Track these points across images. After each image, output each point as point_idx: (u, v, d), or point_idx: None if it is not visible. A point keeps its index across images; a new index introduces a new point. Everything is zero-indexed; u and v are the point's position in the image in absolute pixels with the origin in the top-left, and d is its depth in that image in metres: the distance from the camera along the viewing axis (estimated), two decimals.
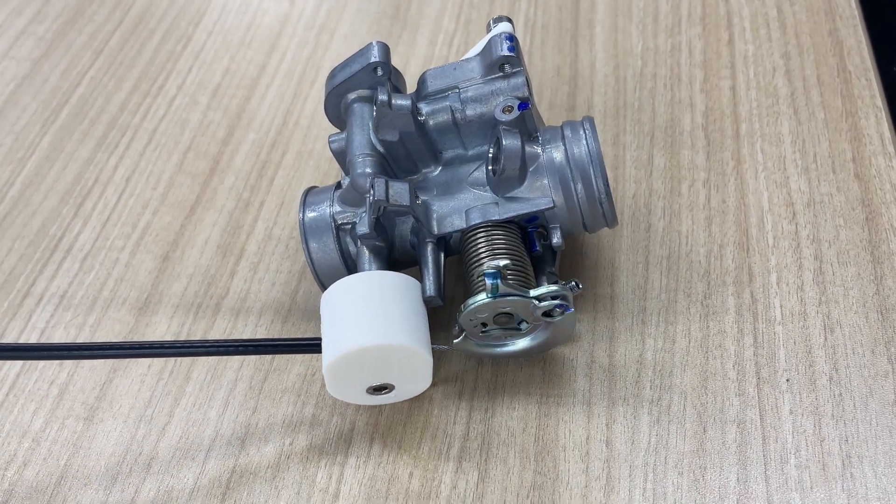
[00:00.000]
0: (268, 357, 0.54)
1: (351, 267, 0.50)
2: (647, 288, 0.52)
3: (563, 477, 0.45)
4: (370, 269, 0.48)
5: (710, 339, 0.49)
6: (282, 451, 0.50)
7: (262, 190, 0.65)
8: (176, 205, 0.65)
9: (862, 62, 0.61)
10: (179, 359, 0.55)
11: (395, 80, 0.51)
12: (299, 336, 0.55)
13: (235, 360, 0.55)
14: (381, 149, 0.49)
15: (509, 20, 0.52)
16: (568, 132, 0.49)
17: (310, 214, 0.50)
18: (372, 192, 0.46)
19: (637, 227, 0.55)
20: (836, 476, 0.43)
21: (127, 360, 0.56)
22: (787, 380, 0.46)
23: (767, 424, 0.45)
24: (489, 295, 0.43)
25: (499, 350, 0.48)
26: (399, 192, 0.46)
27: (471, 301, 0.44)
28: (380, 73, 0.50)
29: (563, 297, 0.45)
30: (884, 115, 0.58)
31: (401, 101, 0.48)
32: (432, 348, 0.46)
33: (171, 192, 0.66)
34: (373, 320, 0.44)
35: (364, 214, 0.48)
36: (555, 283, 0.46)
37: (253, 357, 0.55)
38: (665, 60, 0.66)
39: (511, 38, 0.49)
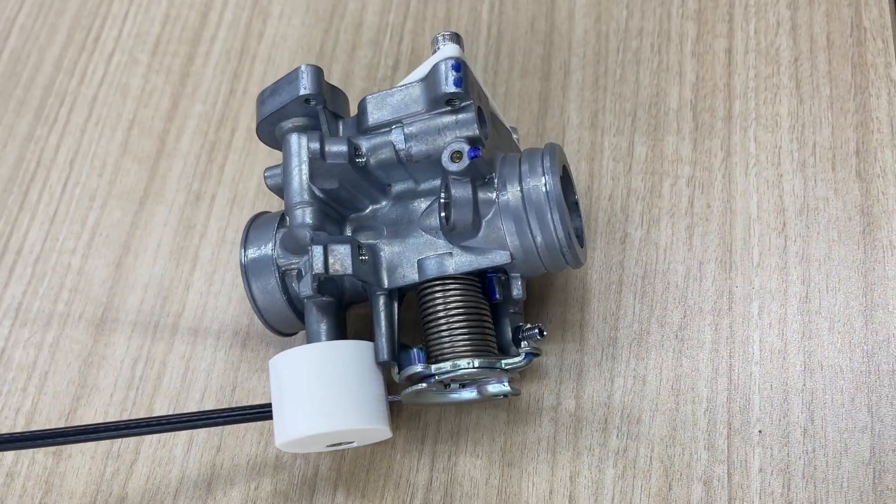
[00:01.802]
0: (229, 390, 0.53)
1: (298, 309, 0.47)
2: (620, 315, 0.49)
3: None
4: (318, 328, 0.45)
5: (683, 381, 0.46)
6: (247, 495, 0.50)
7: (213, 179, 0.60)
8: (124, 196, 0.61)
9: (880, 16, 0.53)
10: (142, 391, 0.54)
11: (332, 106, 0.45)
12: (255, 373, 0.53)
13: (196, 392, 0.53)
14: (320, 195, 0.44)
15: (457, 37, 0.44)
16: (525, 167, 0.43)
17: (252, 256, 0.47)
18: (310, 259, 0.42)
19: (612, 239, 0.51)
20: None
21: (89, 389, 0.55)
22: (760, 431, 0.44)
23: (735, 483, 0.44)
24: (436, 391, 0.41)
25: (450, 399, 0.46)
26: (340, 258, 0.42)
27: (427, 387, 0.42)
28: (312, 103, 0.44)
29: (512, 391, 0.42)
30: None
31: (336, 149, 0.43)
32: (390, 401, 0.44)
33: (118, 181, 0.61)
34: (323, 404, 0.42)
35: (307, 270, 0.44)
36: (506, 380, 0.43)
37: (214, 388, 0.53)
38: (654, 10, 0.57)
39: (458, 66, 0.42)
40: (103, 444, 0.53)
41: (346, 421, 0.42)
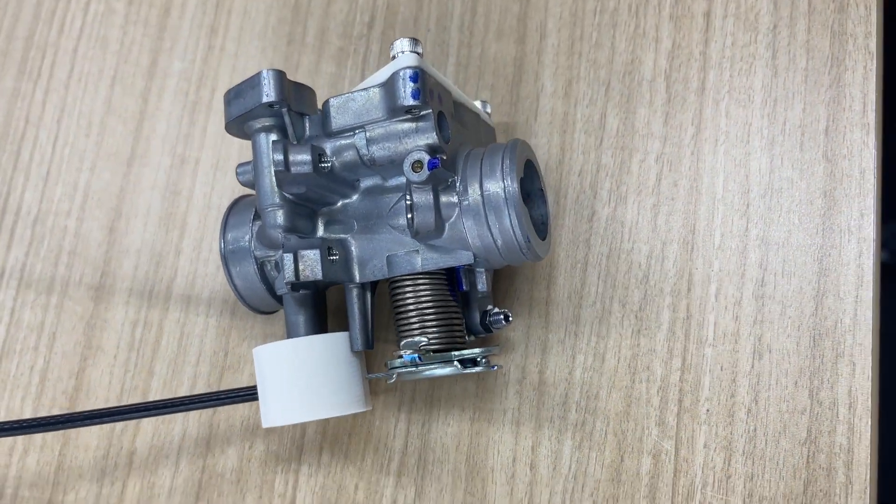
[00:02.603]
0: (221, 355, 0.57)
1: (277, 294, 0.49)
2: (584, 294, 0.51)
3: (490, 498, 0.50)
4: (296, 320, 0.48)
5: (639, 360, 0.49)
6: (242, 454, 0.55)
7: (196, 142, 0.61)
8: (111, 158, 0.62)
9: None
10: (142, 353, 0.58)
11: (297, 105, 0.46)
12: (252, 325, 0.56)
13: (192, 355, 0.57)
14: (290, 196, 0.46)
15: (415, 42, 0.44)
16: (486, 167, 0.44)
17: (231, 246, 0.49)
18: (283, 270, 0.44)
19: (580, 216, 0.52)
20: None
21: (94, 350, 0.59)
22: (707, 410, 0.48)
23: (681, 458, 0.48)
24: (408, 372, 0.44)
25: (428, 375, 0.49)
26: (310, 264, 0.44)
27: (395, 373, 0.45)
28: (275, 107, 0.45)
29: (485, 359, 0.45)
30: (874, 67, 0.50)
31: (300, 157, 0.44)
32: (369, 378, 0.48)
33: (105, 141, 0.63)
34: (304, 396, 0.45)
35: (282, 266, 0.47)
36: (479, 344, 0.46)
37: (209, 353, 0.57)
38: None
39: (415, 77, 0.42)
40: (111, 404, 0.58)
41: (326, 410, 0.45)
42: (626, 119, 0.53)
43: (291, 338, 0.47)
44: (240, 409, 0.56)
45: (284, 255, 0.44)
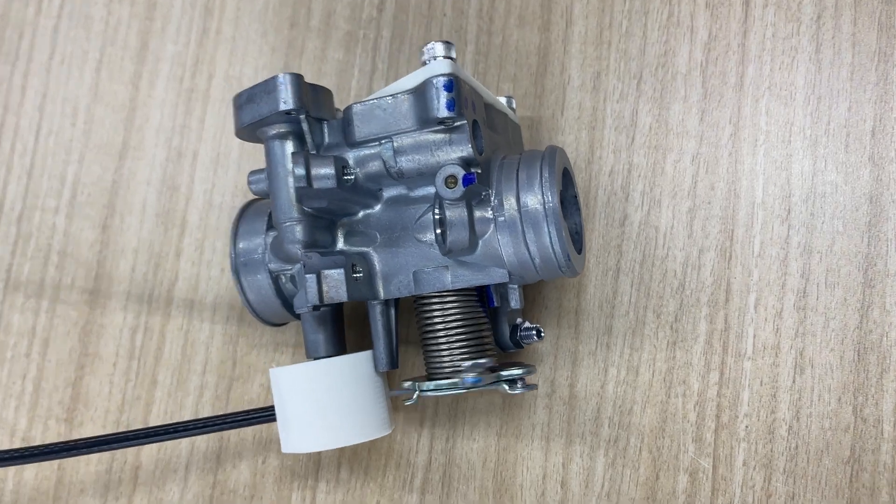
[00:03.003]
0: (229, 365, 0.54)
1: (289, 303, 0.46)
2: (616, 303, 0.49)
3: None
4: (315, 339, 0.45)
5: (675, 373, 0.47)
6: (256, 469, 0.52)
7: (193, 134, 0.57)
8: (101, 149, 0.58)
9: None
10: (144, 361, 0.55)
11: (315, 111, 0.42)
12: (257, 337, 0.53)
13: (197, 364, 0.54)
14: (309, 210, 0.42)
15: (448, 46, 0.40)
16: (523, 176, 0.41)
17: (242, 259, 0.46)
18: (304, 291, 0.41)
19: (611, 220, 0.49)
20: None
21: (91, 358, 0.56)
22: (747, 426, 0.46)
23: (719, 476, 0.46)
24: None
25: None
26: (334, 285, 0.41)
27: (432, 392, 0.42)
28: (293, 115, 0.41)
29: (521, 380, 0.43)
30: None
31: (322, 171, 0.40)
32: (391, 395, 0.46)
33: (94, 131, 0.59)
34: (327, 422, 0.43)
35: (301, 281, 0.44)
36: (513, 365, 0.43)
37: (215, 362, 0.54)
38: None
39: (450, 86, 0.38)
40: (112, 415, 0.55)
41: (350, 437, 0.43)
42: (659, 116, 0.50)
43: (312, 358, 0.45)
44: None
45: (307, 276, 0.40)
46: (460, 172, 0.39)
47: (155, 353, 0.55)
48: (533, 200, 0.41)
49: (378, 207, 0.44)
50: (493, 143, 0.43)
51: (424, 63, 0.40)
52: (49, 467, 0.55)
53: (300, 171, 0.40)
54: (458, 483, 0.49)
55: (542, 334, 0.45)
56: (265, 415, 0.46)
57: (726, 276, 0.47)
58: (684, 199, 0.49)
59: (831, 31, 0.48)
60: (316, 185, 0.40)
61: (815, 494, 0.45)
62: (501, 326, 0.46)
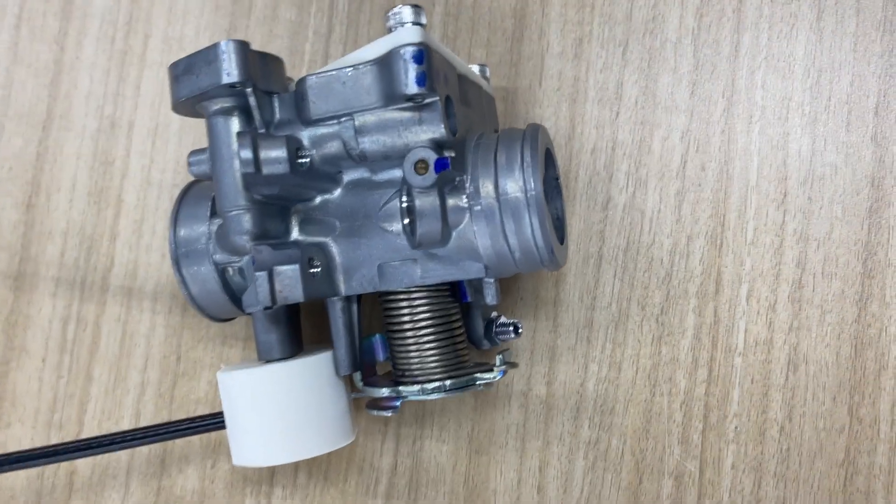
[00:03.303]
0: (173, 360, 0.49)
1: (237, 296, 0.41)
2: (597, 294, 0.45)
3: None
4: (268, 340, 0.40)
5: (661, 370, 0.44)
6: (204, 474, 0.48)
7: (128, 102, 0.51)
8: (23, 118, 0.52)
9: None
10: (77, 356, 0.50)
11: (263, 83, 0.36)
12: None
13: (137, 359, 0.49)
14: (258, 197, 0.37)
15: (418, 10, 0.35)
16: (503, 160, 0.37)
17: (184, 249, 0.41)
18: (254, 290, 0.36)
19: (593, 202, 0.45)
20: None
21: (17, 352, 0.50)
22: (736, 427, 0.43)
23: (706, 480, 0.43)
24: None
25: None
26: (288, 283, 0.36)
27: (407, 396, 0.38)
28: (238, 88, 0.36)
29: (493, 379, 0.39)
30: None
31: (273, 154, 0.35)
32: (353, 398, 0.41)
33: (14, 98, 0.52)
34: (284, 436, 0.38)
35: (250, 276, 0.39)
36: (486, 367, 0.39)
37: (157, 357, 0.49)
38: None
39: (420, 57, 0.33)
40: (43, 416, 0.50)
41: (309, 450, 0.39)
42: (646, 88, 0.45)
43: (264, 360, 0.40)
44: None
45: (257, 275, 0.36)
46: (432, 157, 0.35)
47: (89, 346, 0.50)
48: (513, 187, 0.36)
49: (337, 192, 0.39)
50: (467, 120, 0.39)
51: (390, 30, 0.35)
52: None
53: (247, 154, 0.35)
54: (426, 488, 0.45)
55: (520, 330, 0.41)
56: (214, 422, 0.41)
57: (717, 266, 0.44)
58: (672, 181, 0.45)
59: None
60: (266, 170, 0.35)
61: (807, 499, 0.42)
62: (474, 321, 0.42)
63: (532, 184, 0.36)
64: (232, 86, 0.35)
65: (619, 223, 0.45)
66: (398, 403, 0.38)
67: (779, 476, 0.42)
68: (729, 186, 0.44)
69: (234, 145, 0.37)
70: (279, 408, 0.38)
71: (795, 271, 0.43)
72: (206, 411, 0.48)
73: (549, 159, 0.41)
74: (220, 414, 0.41)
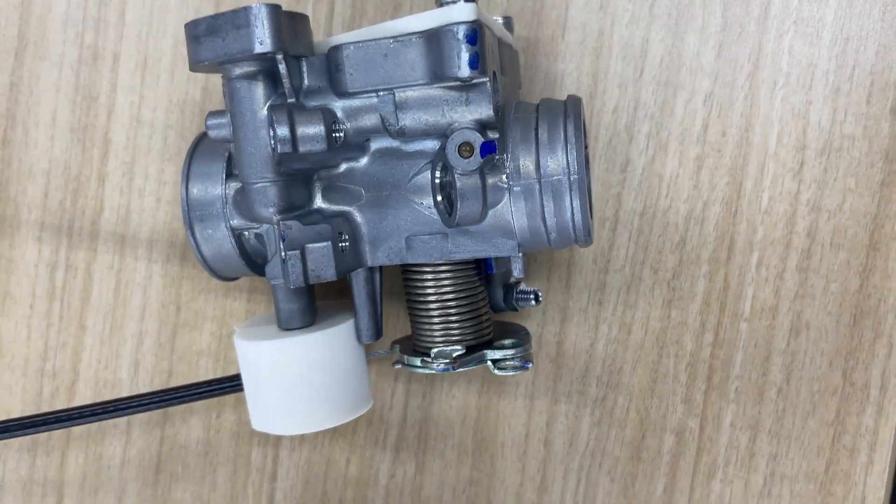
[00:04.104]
0: (172, 310, 0.47)
1: (256, 263, 0.40)
2: (611, 256, 0.45)
3: (500, 474, 0.46)
4: (289, 308, 0.39)
5: (669, 333, 0.45)
6: (209, 423, 0.48)
7: (111, 30, 0.47)
8: None
9: None
10: (68, 303, 0.48)
11: (293, 48, 0.34)
12: None
13: (134, 309, 0.48)
14: (285, 169, 0.35)
15: None
16: (544, 137, 0.36)
17: (197, 213, 0.39)
18: (285, 269, 0.35)
19: (612, 164, 0.45)
20: (755, 494, 0.45)
21: (1, 297, 0.48)
22: (737, 388, 0.45)
23: (705, 437, 0.45)
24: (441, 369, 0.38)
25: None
26: (320, 262, 0.35)
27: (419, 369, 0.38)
28: (268, 55, 0.33)
29: (520, 359, 0.39)
30: None
31: (311, 131, 0.33)
32: (369, 356, 0.41)
33: None
34: (308, 405, 0.38)
35: (274, 250, 0.38)
36: (510, 342, 0.39)
37: (155, 307, 0.48)
38: None
39: (474, 38, 0.31)
40: (34, 363, 0.48)
41: (333, 418, 0.39)
42: (672, 46, 0.44)
43: (286, 330, 0.39)
44: (201, 374, 0.48)
45: (288, 254, 0.34)
46: (478, 140, 0.33)
47: (81, 294, 0.48)
48: (555, 168, 0.35)
49: (364, 161, 0.37)
50: (504, 90, 0.37)
51: (441, 5, 0.32)
52: None
53: (283, 131, 0.33)
54: (434, 441, 0.47)
55: (541, 298, 0.41)
56: (231, 386, 0.41)
57: (730, 233, 0.44)
58: (692, 146, 0.44)
59: None
60: (302, 148, 0.33)
61: (796, 454, 0.45)
62: (494, 288, 0.42)
63: (575, 165, 0.35)
64: (263, 53, 0.32)
65: (637, 187, 0.45)
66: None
67: (773, 433, 0.45)
68: (748, 153, 0.44)
69: (261, 114, 0.34)
70: (303, 378, 0.38)
71: (805, 241, 0.44)
72: (210, 363, 0.47)
73: (583, 130, 0.39)
74: (237, 377, 0.40)
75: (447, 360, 0.37)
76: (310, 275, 0.35)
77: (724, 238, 0.44)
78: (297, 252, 0.34)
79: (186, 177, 0.39)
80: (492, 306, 0.42)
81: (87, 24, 0.47)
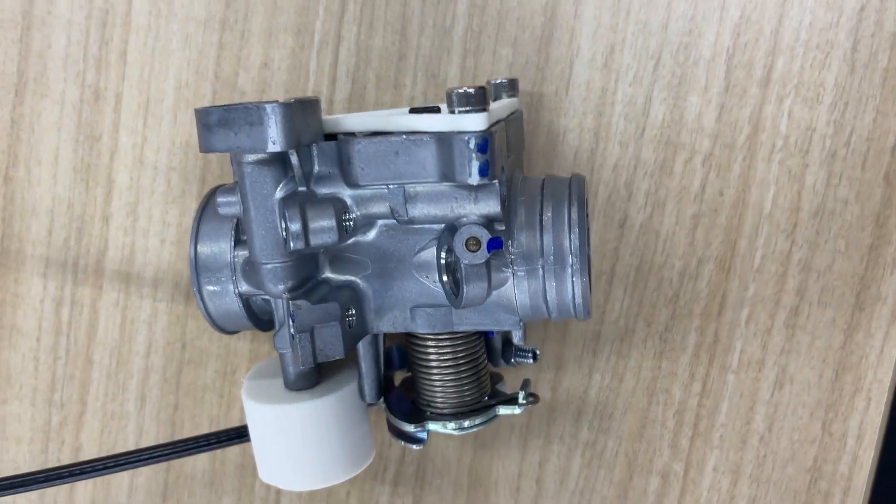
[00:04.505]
0: (178, 347, 0.49)
1: (261, 320, 0.41)
2: (607, 309, 0.46)
3: None
4: (294, 372, 0.41)
5: (659, 382, 0.47)
6: (215, 455, 0.49)
7: (113, 70, 0.47)
8: None
9: None
10: (75, 338, 0.49)
11: (305, 137, 0.34)
12: None
13: (140, 345, 0.49)
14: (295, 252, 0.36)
15: (481, 95, 0.32)
16: (548, 223, 0.37)
17: (208, 288, 0.39)
18: (295, 350, 0.36)
19: (610, 220, 0.46)
20: None
21: (8, 330, 0.49)
22: (721, 435, 0.47)
23: (689, 479, 0.48)
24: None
25: None
26: (329, 343, 0.36)
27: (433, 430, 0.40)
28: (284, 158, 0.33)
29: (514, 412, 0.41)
30: None
31: (322, 223, 0.34)
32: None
33: None
34: (313, 466, 0.40)
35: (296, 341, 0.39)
36: (509, 400, 0.41)
37: (161, 343, 0.49)
38: None
39: (485, 147, 0.32)
40: (42, 394, 0.49)
41: (337, 476, 0.41)
42: (674, 107, 0.45)
43: (292, 391, 0.41)
44: (206, 409, 0.49)
45: (300, 336, 0.35)
46: (485, 236, 0.34)
47: (87, 329, 0.49)
48: (558, 253, 0.36)
49: (371, 234, 0.38)
50: (509, 169, 0.38)
51: (449, 99, 0.33)
52: None
53: (296, 227, 0.33)
54: (431, 476, 0.49)
55: (538, 356, 0.43)
56: (238, 438, 0.42)
57: (722, 289, 0.46)
58: (690, 204, 0.45)
59: (872, 26, 0.43)
60: (314, 242, 0.34)
61: (774, 497, 0.47)
62: (493, 343, 0.43)
63: (578, 251, 0.36)
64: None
65: (634, 243, 0.46)
66: (425, 437, 0.40)
67: (753, 478, 0.47)
68: (744, 213, 0.45)
69: (272, 199, 0.35)
70: (310, 440, 0.40)
71: (794, 299, 0.46)
72: (215, 399, 0.49)
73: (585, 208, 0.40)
74: (244, 429, 0.42)
75: (457, 428, 0.39)
76: (318, 355, 0.36)
77: (716, 294, 0.46)
78: (307, 334, 0.35)
79: (195, 238, 0.39)
80: (489, 359, 0.43)
81: (88, 62, 0.46)
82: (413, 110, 0.38)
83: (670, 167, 0.45)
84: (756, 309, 0.46)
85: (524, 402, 0.41)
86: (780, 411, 0.47)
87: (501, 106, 0.38)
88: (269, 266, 0.36)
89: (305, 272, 0.37)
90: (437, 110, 0.38)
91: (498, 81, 0.42)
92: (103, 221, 0.48)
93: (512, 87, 0.42)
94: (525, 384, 0.41)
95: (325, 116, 0.36)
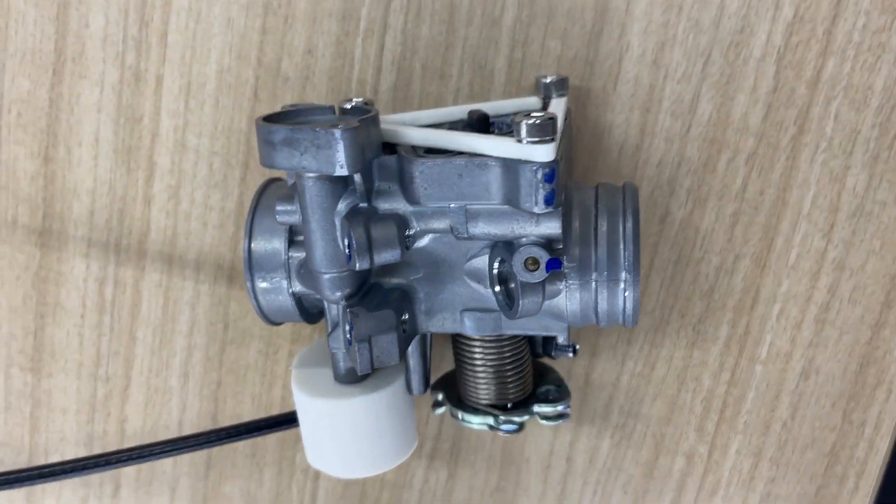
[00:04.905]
0: (220, 327, 0.50)
1: (311, 313, 0.42)
2: (643, 301, 0.48)
3: (524, 484, 0.51)
4: (345, 367, 0.42)
5: (689, 371, 0.49)
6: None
7: (154, 52, 0.46)
8: (28, 58, 0.46)
9: None
10: (118, 317, 0.50)
11: (368, 156, 0.34)
12: None
13: (183, 324, 0.50)
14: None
15: (551, 126, 0.32)
16: (603, 237, 0.37)
17: (261, 284, 0.40)
18: (354, 359, 0.37)
19: (651, 215, 0.46)
20: None
21: (52, 307, 0.50)
22: (745, 421, 0.49)
23: (712, 460, 0.50)
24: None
25: None
26: (386, 351, 0.37)
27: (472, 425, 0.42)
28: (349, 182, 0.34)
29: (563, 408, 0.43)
30: None
31: (385, 242, 0.35)
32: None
33: (12, 31, 0.46)
34: (363, 455, 0.42)
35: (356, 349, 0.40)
36: (553, 390, 0.43)
37: (203, 323, 0.50)
38: None
39: (551, 177, 0.32)
40: (87, 368, 0.51)
41: (385, 465, 0.43)
42: (721, 105, 0.44)
43: (342, 384, 0.42)
44: (248, 387, 0.51)
45: (359, 346, 0.36)
46: (544, 257, 0.35)
47: (130, 308, 0.49)
48: (612, 267, 0.37)
49: (424, 241, 0.39)
50: (564, 176, 0.38)
51: (521, 140, 0.33)
52: (20, 414, 0.51)
53: (362, 248, 0.34)
54: (465, 453, 0.51)
55: (577, 350, 0.44)
56: (288, 423, 0.44)
57: (756, 285, 0.47)
58: (730, 202, 0.46)
59: None
60: (377, 259, 0.34)
61: (792, 479, 0.50)
62: (535, 337, 0.44)
63: (632, 266, 0.37)
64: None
65: (674, 238, 0.46)
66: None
67: (773, 461, 0.50)
68: (782, 212, 0.46)
69: (333, 213, 0.35)
70: (359, 433, 0.41)
71: (826, 296, 0.47)
72: (258, 378, 0.50)
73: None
74: (293, 415, 0.43)
75: (495, 425, 0.41)
76: (375, 361, 0.37)
77: (750, 290, 0.47)
78: (366, 343, 0.36)
79: (249, 234, 0.40)
80: (531, 352, 0.45)
81: (128, 44, 0.45)
82: (469, 121, 0.38)
83: (714, 165, 0.45)
84: (788, 304, 0.47)
85: (559, 418, 0.42)
86: (804, 400, 0.49)
87: (559, 112, 0.38)
88: (328, 276, 0.37)
89: (361, 280, 0.38)
90: (486, 119, 0.38)
91: (548, 80, 0.42)
92: (145, 204, 0.48)
93: (562, 85, 0.42)
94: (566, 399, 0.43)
95: (382, 126, 0.36)
